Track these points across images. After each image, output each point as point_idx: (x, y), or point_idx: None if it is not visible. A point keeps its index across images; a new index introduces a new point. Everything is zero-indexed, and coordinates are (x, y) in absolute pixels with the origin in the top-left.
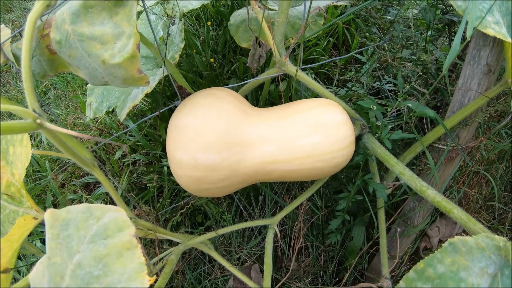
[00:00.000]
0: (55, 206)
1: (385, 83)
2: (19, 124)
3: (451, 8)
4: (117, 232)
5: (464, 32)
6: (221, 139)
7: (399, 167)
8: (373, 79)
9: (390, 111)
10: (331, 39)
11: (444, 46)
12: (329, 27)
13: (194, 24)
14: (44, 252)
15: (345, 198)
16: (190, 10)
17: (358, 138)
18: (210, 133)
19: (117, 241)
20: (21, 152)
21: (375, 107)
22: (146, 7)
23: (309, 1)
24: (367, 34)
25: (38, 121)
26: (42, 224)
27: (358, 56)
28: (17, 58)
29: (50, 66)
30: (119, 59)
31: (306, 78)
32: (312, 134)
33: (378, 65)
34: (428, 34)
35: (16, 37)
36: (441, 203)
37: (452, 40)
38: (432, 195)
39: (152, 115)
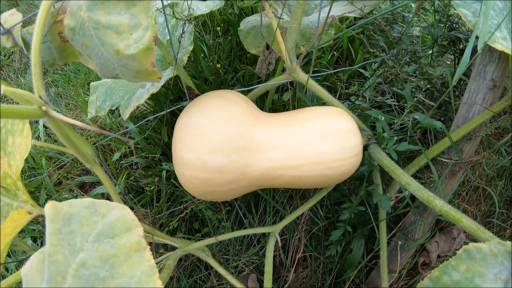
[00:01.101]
0: None
1: (389, 97)
2: (24, 110)
3: (457, 25)
4: (124, 231)
5: (474, 45)
6: (231, 142)
7: (405, 178)
8: (376, 94)
9: (396, 123)
10: (335, 53)
11: (446, 64)
12: (334, 41)
13: (200, 31)
14: (35, 250)
15: (348, 209)
16: (198, 16)
17: (364, 149)
18: (220, 135)
19: (125, 241)
20: (21, 142)
21: (383, 118)
22: (164, 5)
23: (324, 10)
24: (372, 49)
25: (43, 108)
26: (33, 221)
27: (362, 70)
28: (27, 44)
29: (60, 54)
30: (134, 50)
31: (316, 86)
32: (321, 141)
33: (381, 80)
34: (434, 50)
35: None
36: (449, 213)
37: (457, 56)
38: (440, 204)
39: (157, 114)
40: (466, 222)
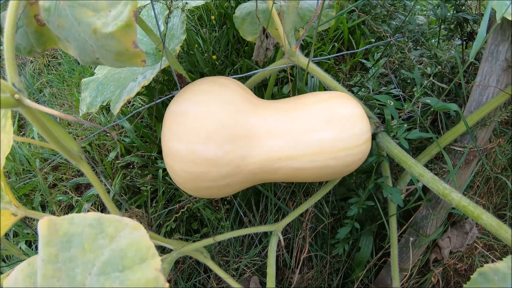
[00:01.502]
0: (43, 207)
1: (394, 87)
2: None
3: (464, 7)
4: (138, 263)
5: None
6: (224, 130)
7: (418, 169)
8: (379, 85)
9: (407, 108)
10: (336, 44)
11: (456, 49)
12: (334, 32)
13: (196, 25)
14: (27, 255)
15: (355, 204)
16: (193, 10)
17: (372, 138)
18: (212, 123)
19: (138, 277)
20: (3, 138)
21: (392, 103)
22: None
23: None
24: (377, 30)
25: (16, 96)
26: (27, 224)
27: (364, 61)
28: (3, 29)
29: (37, 40)
30: (113, 27)
31: (318, 71)
32: (325, 128)
33: (384, 69)
34: (440, 32)
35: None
36: (467, 208)
37: (465, 40)
38: (457, 198)
39: (146, 106)
40: (487, 219)
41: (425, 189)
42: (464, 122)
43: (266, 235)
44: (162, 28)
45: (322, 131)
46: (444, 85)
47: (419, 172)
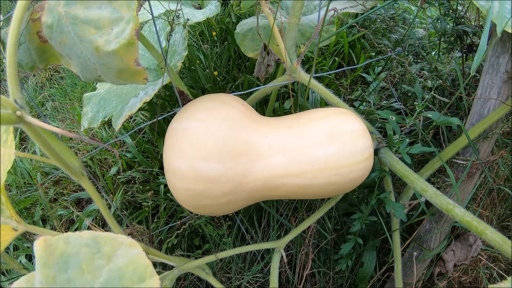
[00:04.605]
0: (44, 221)
1: (395, 100)
2: None
3: (463, 19)
4: (137, 282)
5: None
6: (225, 147)
7: (420, 184)
8: (380, 99)
9: (408, 123)
10: (336, 58)
11: (456, 61)
12: (335, 47)
13: (197, 40)
14: (27, 269)
15: (359, 219)
16: (195, 26)
17: (374, 153)
18: (213, 140)
19: None
20: (4, 153)
21: (394, 118)
22: (153, 14)
23: (325, 10)
24: (378, 45)
25: (18, 113)
26: (27, 239)
27: (365, 75)
28: (5, 45)
29: (39, 56)
30: (115, 45)
31: (319, 87)
32: (328, 145)
33: (385, 83)
34: (440, 45)
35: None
36: (471, 223)
37: (465, 52)
38: (461, 214)
39: (148, 122)
40: (491, 234)
41: (428, 203)
42: (466, 136)
43: (269, 251)
44: (163, 44)
45: (325, 147)
46: (445, 99)
47: (422, 187)
